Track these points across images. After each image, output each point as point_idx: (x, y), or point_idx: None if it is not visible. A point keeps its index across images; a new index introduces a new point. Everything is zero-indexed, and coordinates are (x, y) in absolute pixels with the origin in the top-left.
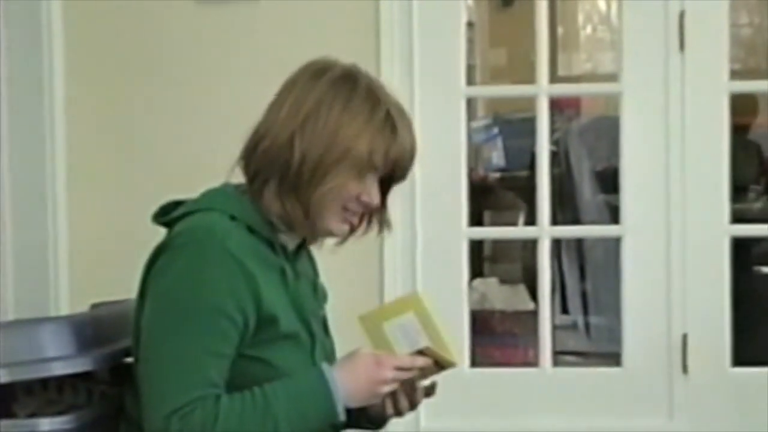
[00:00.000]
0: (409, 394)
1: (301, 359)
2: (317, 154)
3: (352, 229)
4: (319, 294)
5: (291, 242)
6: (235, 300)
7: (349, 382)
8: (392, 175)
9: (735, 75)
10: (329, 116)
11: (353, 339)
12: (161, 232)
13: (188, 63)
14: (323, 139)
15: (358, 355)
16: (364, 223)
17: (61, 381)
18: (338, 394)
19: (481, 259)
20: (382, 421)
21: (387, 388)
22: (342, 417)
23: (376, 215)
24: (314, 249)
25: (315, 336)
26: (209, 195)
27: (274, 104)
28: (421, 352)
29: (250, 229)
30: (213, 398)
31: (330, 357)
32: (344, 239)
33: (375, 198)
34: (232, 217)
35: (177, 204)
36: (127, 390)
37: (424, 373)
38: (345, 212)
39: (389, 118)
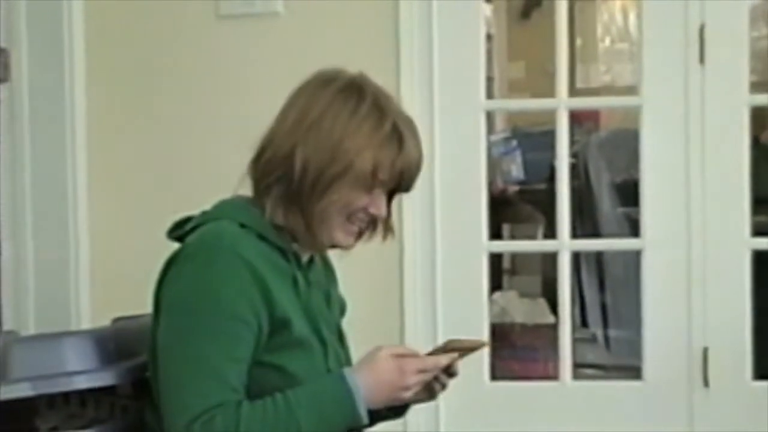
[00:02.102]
0: (429, 385)
1: (314, 367)
2: (319, 167)
3: (358, 237)
4: (333, 304)
5: (303, 253)
6: (248, 303)
7: (371, 386)
8: (398, 186)
9: (755, 86)
10: (333, 127)
11: None
12: None
13: (210, 77)
14: (326, 150)
15: (379, 358)
16: (368, 232)
17: (84, 395)
18: (360, 398)
19: (500, 272)
20: (402, 409)
21: (409, 394)
22: (365, 420)
23: (380, 223)
24: (334, 260)
25: (327, 344)
26: (219, 205)
27: (280, 114)
28: (445, 350)
29: (261, 237)
30: (234, 404)
31: (344, 367)
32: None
33: (382, 210)
34: (242, 225)
35: (190, 219)
36: (147, 404)
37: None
38: (350, 224)
39: (396, 131)
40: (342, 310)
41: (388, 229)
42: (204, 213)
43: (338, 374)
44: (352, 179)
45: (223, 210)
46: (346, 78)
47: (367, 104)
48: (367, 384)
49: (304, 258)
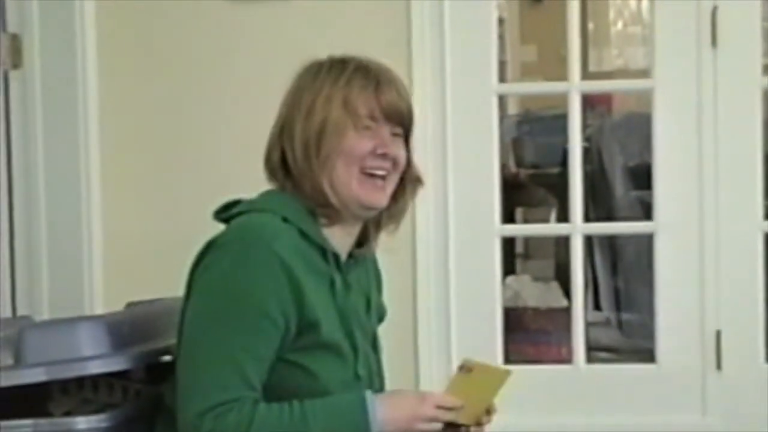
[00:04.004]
0: None
1: (341, 371)
2: (303, 136)
3: (395, 200)
4: (372, 309)
5: (342, 248)
6: (277, 302)
7: (389, 413)
8: (392, 120)
9: None
10: (302, 99)
11: (386, 339)
12: (196, 231)
13: (223, 60)
14: (302, 118)
15: (403, 390)
16: (393, 179)
17: (97, 380)
18: (376, 426)
19: (513, 256)
20: None
21: (424, 426)
22: None
23: (408, 175)
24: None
25: (358, 350)
26: (266, 196)
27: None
28: (468, 369)
29: (303, 234)
30: (250, 402)
31: (374, 375)
32: (397, 216)
33: (390, 148)
34: (285, 220)
35: (239, 202)
36: (168, 387)
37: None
38: (367, 175)
39: (360, 70)
40: (381, 318)
41: (412, 177)
42: (251, 201)
43: (359, 396)
44: (333, 130)
45: (269, 201)
46: (331, 59)
47: (326, 65)
48: (386, 409)
49: (344, 256)
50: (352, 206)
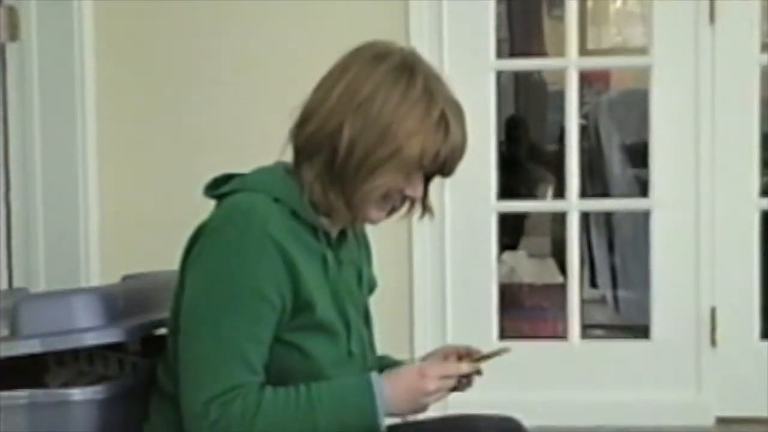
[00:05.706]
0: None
1: (334, 349)
2: (366, 149)
3: (392, 212)
4: (363, 282)
5: (333, 228)
6: (274, 284)
7: (393, 393)
8: (439, 171)
9: (766, 46)
10: (383, 109)
11: (382, 315)
12: (191, 205)
13: (220, 41)
14: (374, 133)
15: (404, 367)
16: (405, 208)
17: (93, 352)
18: (382, 407)
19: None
20: None
21: (431, 399)
22: (382, 429)
23: (417, 203)
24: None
25: (351, 327)
26: (258, 174)
27: (324, 84)
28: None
29: (294, 213)
30: (255, 389)
31: (367, 350)
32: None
33: (418, 192)
34: (276, 200)
35: (229, 177)
36: (160, 362)
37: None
38: (385, 202)
39: (443, 119)
40: (371, 288)
41: (426, 208)
42: (242, 179)
43: (366, 379)
44: (397, 164)
45: (260, 180)
46: (398, 56)
47: (418, 88)
48: (389, 390)
49: (334, 234)
50: (353, 216)
